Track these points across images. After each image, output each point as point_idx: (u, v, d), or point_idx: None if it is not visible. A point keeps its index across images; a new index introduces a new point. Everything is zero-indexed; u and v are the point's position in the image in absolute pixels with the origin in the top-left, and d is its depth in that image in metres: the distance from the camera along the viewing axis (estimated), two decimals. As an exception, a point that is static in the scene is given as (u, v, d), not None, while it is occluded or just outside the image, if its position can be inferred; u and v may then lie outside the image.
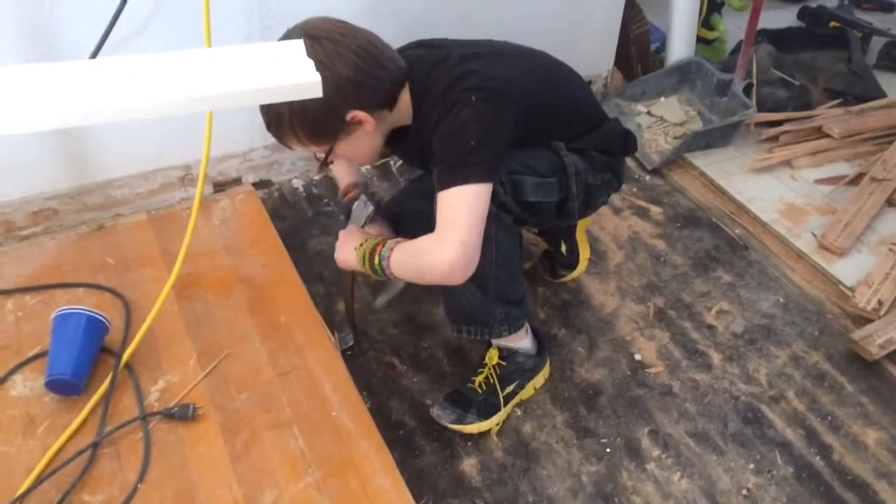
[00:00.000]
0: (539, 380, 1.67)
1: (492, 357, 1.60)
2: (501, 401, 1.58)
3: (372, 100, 1.35)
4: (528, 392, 1.65)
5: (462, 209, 1.27)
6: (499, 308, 1.50)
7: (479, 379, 1.59)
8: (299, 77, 0.73)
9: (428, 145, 1.37)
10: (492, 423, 1.57)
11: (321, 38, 1.29)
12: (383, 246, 1.39)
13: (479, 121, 1.28)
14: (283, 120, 1.34)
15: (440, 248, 1.27)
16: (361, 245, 1.44)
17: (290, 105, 1.29)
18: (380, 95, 1.37)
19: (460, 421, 1.55)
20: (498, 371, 1.59)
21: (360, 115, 1.35)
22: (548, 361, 1.69)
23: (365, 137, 1.41)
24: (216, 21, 1.74)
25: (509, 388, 1.59)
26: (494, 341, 1.61)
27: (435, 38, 1.54)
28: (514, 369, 1.60)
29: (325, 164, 1.48)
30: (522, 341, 1.62)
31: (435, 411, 1.57)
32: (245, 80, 0.73)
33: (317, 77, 0.73)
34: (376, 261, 1.39)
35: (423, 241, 1.32)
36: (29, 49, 1.67)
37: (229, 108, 0.71)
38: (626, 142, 1.61)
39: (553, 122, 1.47)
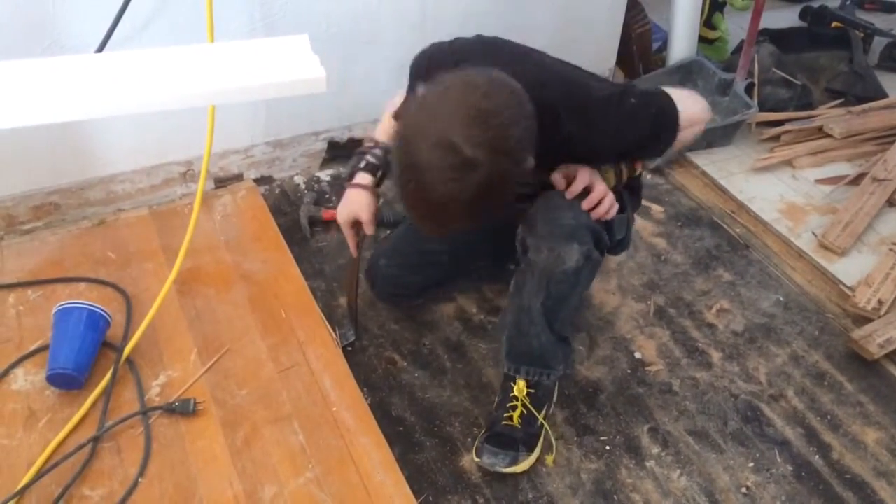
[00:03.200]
0: (555, 394, 1.64)
1: (521, 389, 1.54)
2: (541, 425, 1.54)
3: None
4: (550, 410, 1.63)
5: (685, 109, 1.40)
6: (560, 349, 1.53)
7: (516, 415, 1.53)
8: (304, 72, 0.73)
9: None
10: (538, 452, 1.53)
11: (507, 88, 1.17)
12: None
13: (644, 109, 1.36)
14: (484, 199, 1.16)
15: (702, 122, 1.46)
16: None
17: (480, 191, 1.13)
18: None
19: (514, 462, 1.48)
20: (530, 400, 1.55)
21: (531, 158, 1.21)
22: None
23: None
24: (219, 17, 1.75)
25: (543, 413, 1.56)
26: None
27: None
28: (543, 394, 1.57)
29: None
30: None
31: (486, 460, 1.48)
32: (251, 75, 0.73)
33: (322, 72, 0.73)
34: None
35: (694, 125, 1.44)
36: (32, 43, 1.67)
37: (235, 102, 0.71)
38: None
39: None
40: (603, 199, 1.39)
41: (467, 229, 1.24)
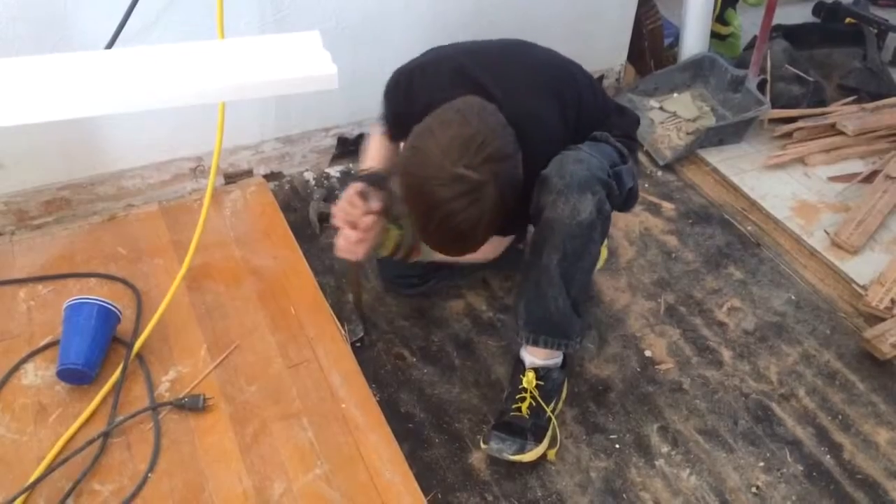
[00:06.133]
0: (564, 391, 1.64)
1: (530, 381, 1.56)
2: (550, 417, 1.55)
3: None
4: (559, 405, 1.63)
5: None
6: (576, 316, 1.54)
7: (524, 406, 1.54)
8: (316, 69, 0.72)
9: None
10: (545, 445, 1.53)
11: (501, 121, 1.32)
12: None
13: None
14: (483, 220, 1.30)
15: (491, 256, 1.67)
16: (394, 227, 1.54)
17: (497, 201, 1.28)
18: None
19: (521, 451, 1.49)
20: (538, 392, 1.56)
21: (519, 154, 1.35)
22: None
23: None
24: (229, 14, 1.74)
25: (551, 406, 1.57)
26: (530, 362, 1.58)
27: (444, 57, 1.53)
28: (551, 387, 1.58)
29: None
30: (557, 358, 1.60)
31: (494, 445, 1.49)
32: (263, 72, 0.73)
33: (333, 69, 0.73)
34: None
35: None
36: (43, 39, 1.67)
37: (247, 98, 0.71)
38: (637, 126, 1.67)
39: (587, 123, 1.54)
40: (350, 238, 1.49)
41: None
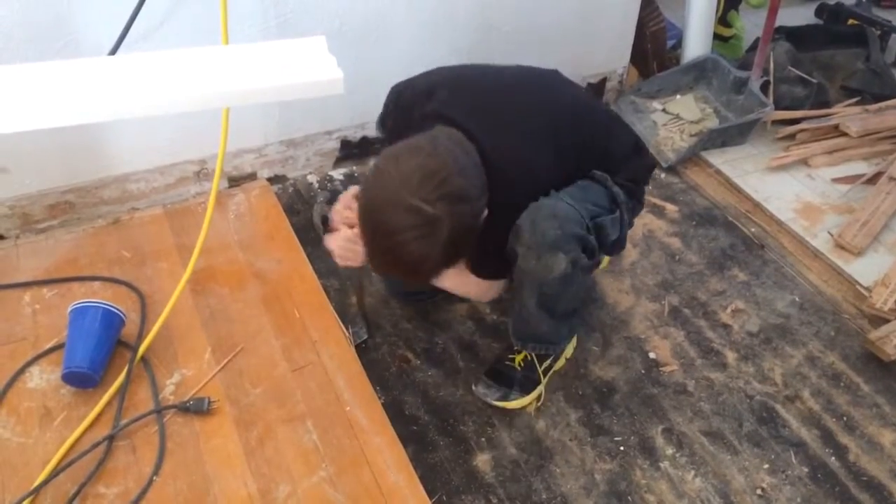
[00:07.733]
0: (569, 350, 1.70)
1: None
2: (540, 376, 1.61)
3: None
4: (560, 363, 1.68)
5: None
6: (564, 325, 1.57)
7: (519, 358, 1.61)
8: (322, 74, 0.72)
9: None
10: (532, 397, 1.60)
11: (460, 152, 1.29)
12: None
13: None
14: (442, 258, 1.29)
15: (486, 296, 1.68)
16: None
17: (447, 242, 1.24)
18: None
19: (505, 398, 1.58)
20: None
21: (483, 196, 1.32)
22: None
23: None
24: (232, 17, 1.75)
25: (546, 363, 1.62)
26: None
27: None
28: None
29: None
30: None
31: (479, 389, 1.60)
32: (268, 77, 0.73)
33: (339, 73, 0.73)
34: None
35: (470, 286, 1.59)
36: (47, 44, 1.68)
37: (252, 104, 0.71)
38: (650, 172, 1.66)
39: (589, 165, 1.52)
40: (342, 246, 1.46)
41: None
